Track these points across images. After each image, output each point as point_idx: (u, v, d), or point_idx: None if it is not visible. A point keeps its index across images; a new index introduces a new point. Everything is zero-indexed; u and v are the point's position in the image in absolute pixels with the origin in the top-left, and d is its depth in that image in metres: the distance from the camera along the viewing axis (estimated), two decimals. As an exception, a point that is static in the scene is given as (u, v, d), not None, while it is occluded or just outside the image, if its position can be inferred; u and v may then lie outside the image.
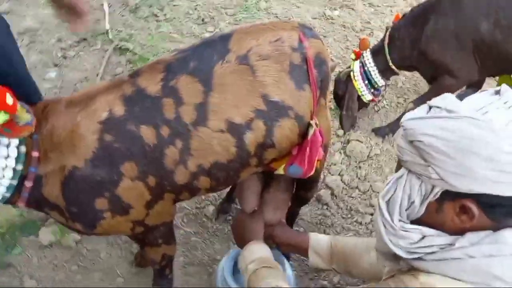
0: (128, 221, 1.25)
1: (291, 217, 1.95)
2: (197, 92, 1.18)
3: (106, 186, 1.14)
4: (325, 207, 2.37)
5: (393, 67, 2.45)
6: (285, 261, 1.74)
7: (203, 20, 3.78)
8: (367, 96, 2.54)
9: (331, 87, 2.60)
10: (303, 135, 1.36)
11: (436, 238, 0.87)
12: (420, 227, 0.89)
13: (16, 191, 1.12)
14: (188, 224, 2.24)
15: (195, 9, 4.20)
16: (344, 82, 2.58)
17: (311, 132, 1.34)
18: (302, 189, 1.72)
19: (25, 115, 1.03)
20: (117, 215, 1.20)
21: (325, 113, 1.50)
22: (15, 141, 1.05)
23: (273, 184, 1.58)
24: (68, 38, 3.51)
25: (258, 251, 1.39)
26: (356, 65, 2.51)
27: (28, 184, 1.11)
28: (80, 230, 1.26)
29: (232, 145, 1.23)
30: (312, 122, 1.35)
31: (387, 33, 2.43)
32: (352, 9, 3.81)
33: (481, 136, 0.78)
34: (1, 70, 1.62)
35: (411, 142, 0.85)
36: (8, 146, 1.04)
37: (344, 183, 2.50)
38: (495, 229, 0.83)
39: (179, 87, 1.17)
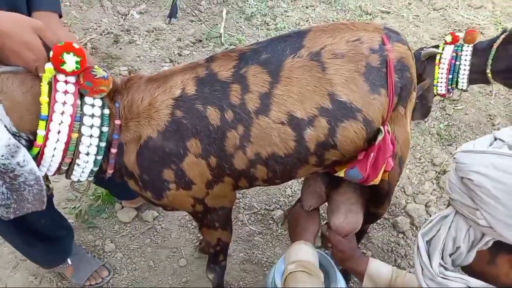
0: (189, 197, 1.31)
1: (358, 235, 1.83)
2: (263, 82, 1.20)
3: (173, 159, 1.21)
4: (400, 235, 2.18)
5: (489, 74, 2.12)
6: (337, 271, 1.66)
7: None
8: (440, 89, 2.22)
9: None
10: (371, 141, 1.29)
11: None
12: (465, 276, 0.76)
13: (104, 157, 1.20)
14: (254, 223, 2.26)
15: (307, 20, 4.27)
16: (423, 62, 2.26)
17: (379, 138, 1.26)
18: (372, 204, 1.62)
19: (100, 70, 1.10)
20: (181, 188, 1.26)
21: (404, 123, 1.39)
22: (98, 102, 1.13)
23: (344, 184, 1.50)
24: (186, 38, 3.84)
25: (303, 253, 1.34)
26: (448, 51, 2.18)
27: (114, 150, 1.19)
28: (150, 199, 1.34)
29: (291, 138, 1.22)
30: (383, 128, 1.27)
31: (502, 35, 2.10)
32: (481, 33, 3.48)
33: None
34: None
35: (461, 178, 0.74)
36: (92, 106, 1.12)
37: (429, 215, 2.28)
38: None
39: (248, 75, 1.20)
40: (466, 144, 0.76)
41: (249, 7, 4.35)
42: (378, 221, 2.27)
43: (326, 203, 1.58)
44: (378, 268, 1.34)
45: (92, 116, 1.11)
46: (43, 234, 1.68)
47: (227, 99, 1.19)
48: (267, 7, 4.42)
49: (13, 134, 0.99)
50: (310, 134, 1.22)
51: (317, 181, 1.60)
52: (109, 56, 3.52)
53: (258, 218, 2.28)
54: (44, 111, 1.02)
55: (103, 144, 1.15)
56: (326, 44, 1.23)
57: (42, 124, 1.03)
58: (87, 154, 1.13)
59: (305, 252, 1.34)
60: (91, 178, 1.25)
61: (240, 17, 4.27)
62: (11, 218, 1.01)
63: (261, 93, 1.19)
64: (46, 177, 1.22)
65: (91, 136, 1.11)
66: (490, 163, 0.69)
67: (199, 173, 1.24)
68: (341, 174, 1.36)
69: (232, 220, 2.22)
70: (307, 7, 4.54)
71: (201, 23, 4.05)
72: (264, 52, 1.22)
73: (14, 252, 2.00)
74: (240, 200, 2.37)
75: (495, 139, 0.75)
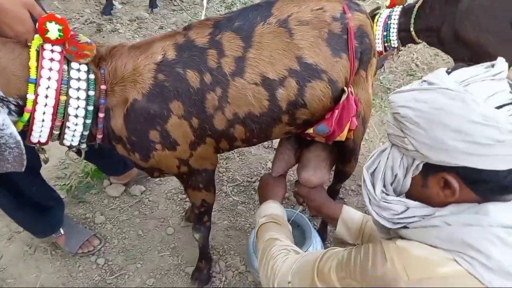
0: (175, 158, 1.40)
1: (332, 195, 1.97)
2: (237, 47, 1.31)
3: (158, 120, 1.30)
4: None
5: (413, 33, 2.31)
6: (313, 229, 1.79)
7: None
8: (378, 46, 2.42)
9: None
10: (337, 100, 1.42)
11: (419, 209, 0.87)
12: (404, 199, 0.89)
13: (93, 121, 1.28)
14: (237, 194, 2.38)
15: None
16: None
17: (343, 97, 1.39)
18: (340, 162, 1.75)
19: (83, 36, 1.19)
20: (166, 149, 1.36)
21: (366, 85, 1.52)
22: (83, 68, 1.22)
23: (314, 144, 1.63)
24: (168, 26, 3.93)
25: (271, 208, 1.46)
26: (385, 13, 2.41)
27: (101, 114, 1.26)
28: (138, 161, 1.42)
29: (264, 98, 1.34)
30: (346, 88, 1.40)
31: None
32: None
33: (450, 107, 0.77)
34: None
35: (393, 114, 0.87)
36: (78, 70, 1.21)
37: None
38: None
39: (223, 41, 1.31)
40: (401, 88, 0.90)
41: (228, -4, 4.45)
42: (353, 187, 2.42)
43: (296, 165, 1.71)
44: (350, 213, 1.46)
45: (79, 79, 1.19)
46: (35, 203, 1.77)
47: (205, 63, 1.29)
48: (247, -4, 4.52)
49: (0, 99, 1.08)
50: (281, 94, 1.34)
51: (286, 149, 1.72)
52: (93, 44, 3.58)
53: (240, 189, 2.41)
54: (33, 74, 1.11)
55: (90, 108, 1.23)
56: (293, 12, 1.35)
57: (31, 87, 1.11)
58: (76, 116, 1.21)
59: (273, 208, 1.47)
60: (84, 145, 1.33)
61: (221, 5, 4.36)
62: None
63: (236, 56, 1.30)
64: (42, 148, 1.29)
65: (78, 98, 1.19)
66: (413, 97, 0.83)
67: (182, 134, 1.34)
68: (310, 130, 1.49)
69: (217, 192, 2.37)
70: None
71: (183, 12, 4.13)
72: (236, 20, 1.33)
73: (8, 225, 2.08)
74: (224, 173, 2.49)
75: (423, 81, 0.87)
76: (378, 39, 2.42)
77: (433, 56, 3.67)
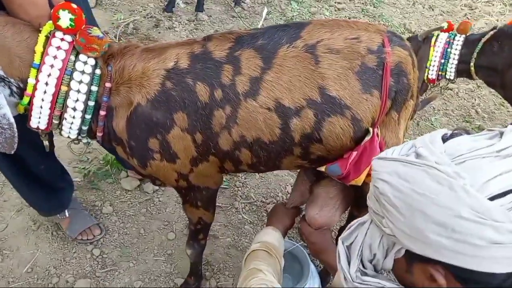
0: (173, 171, 1.32)
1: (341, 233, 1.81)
2: (256, 66, 1.21)
3: (159, 129, 1.23)
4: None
5: (472, 68, 2.07)
6: (312, 266, 1.65)
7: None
8: (431, 73, 2.19)
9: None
10: (358, 141, 1.28)
11: None
12: (383, 281, 0.74)
13: (94, 118, 1.24)
14: (248, 212, 2.27)
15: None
16: (419, 42, 2.24)
17: (367, 138, 1.25)
18: (355, 208, 1.60)
19: (97, 31, 1.16)
20: (165, 160, 1.28)
21: (396, 129, 1.36)
22: (91, 61, 1.16)
23: (325, 180, 1.49)
24: (224, 29, 3.92)
25: (269, 236, 1.34)
26: (443, 38, 2.18)
27: (102, 112, 1.21)
28: (136, 167, 1.36)
29: (276, 125, 1.23)
30: (372, 129, 1.25)
31: (491, 32, 2.05)
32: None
33: (435, 193, 0.61)
34: None
35: (373, 185, 0.72)
36: (85, 63, 1.15)
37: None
38: None
39: (242, 58, 1.21)
40: (386, 151, 0.74)
41: (291, 11, 4.38)
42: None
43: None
44: None
45: (83, 72, 1.15)
46: (42, 181, 1.77)
47: (218, 78, 1.20)
48: (309, 12, 4.42)
49: (1, 78, 1.06)
50: (295, 124, 1.22)
51: (304, 180, 1.60)
52: (147, 38, 3.64)
53: (252, 208, 2.29)
54: (37, 59, 1.08)
55: (91, 103, 1.19)
56: (323, 38, 1.23)
57: (33, 72, 1.09)
58: (74, 109, 1.17)
59: (271, 236, 1.35)
60: (85, 140, 1.29)
61: (280, 18, 4.30)
62: None
63: (252, 76, 1.20)
64: (49, 134, 1.28)
65: (78, 91, 1.15)
66: (394, 170, 0.67)
67: (184, 147, 1.26)
68: (322, 168, 1.36)
69: (227, 206, 2.27)
70: (349, 18, 4.51)
71: (241, 20, 4.11)
72: (261, 38, 1.23)
73: (20, 197, 2.11)
74: (239, 188, 2.39)
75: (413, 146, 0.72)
76: (434, 65, 2.20)
77: (498, 106, 3.35)
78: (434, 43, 2.19)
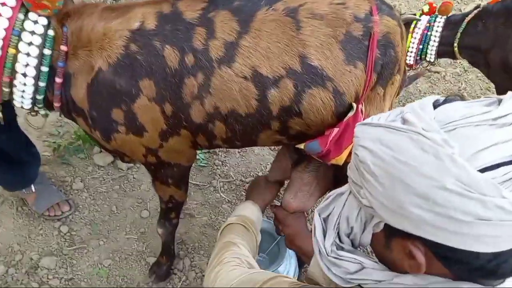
0: (141, 145, 1.20)
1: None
2: (231, 30, 1.09)
3: (123, 98, 1.10)
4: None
5: (456, 49, 1.96)
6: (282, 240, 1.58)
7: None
8: (409, 59, 2.05)
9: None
10: (341, 116, 1.18)
11: (376, 271, 0.65)
12: (361, 258, 0.67)
13: (49, 86, 1.10)
14: (226, 191, 2.18)
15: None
16: None
17: (350, 114, 1.15)
18: (334, 187, 1.52)
19: None
20: (131, 133, 1.16)
21: (382, 105, 1.27)
22: (43, 21, 1.02)
23: (303, 164, 1.40)
24: None
25: (248, 210, 1.26)
26: (423, 22, 2.02)
27: (58, 80, 1.08)
28: (100, 141, 1.24)
29: (253, 96, 1.12)
30: (355, 105, 1.16)
31: (475, 11, 1.93)
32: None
33: (419, 162, 0.53)
34: None
35: (354, 153, 0.64)
36: (35, 23, 1.00)
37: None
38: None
39: (216, 20, 1.09)
40: (371, 117, 0.65)
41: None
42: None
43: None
44: None
45: (32, 33, 1.01)
46: (4, 154, 1.63)
47: (189, 42, 1.08)
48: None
49: None
50: (273, 95, 1.12)
51: (286, 157, 1.51)
52: None
53: (231, 187, 2.20)
54: None
55: (44, 69, 1.05)
56: (306, 1, 1.11)
57: None
58: (24, 75, 1.03)
59: (249, 210, 1.26)
60: (43, 111, 1.16)
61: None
62: None
63: (227, 41, 1.08)
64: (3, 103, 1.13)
65: (28, 54, 1.01)
66: (377, 137, 0.59)
67: (151, 119, 1.13)
68: (301, 146, 1.26)
69: (205, 185, 2.17)
70: None
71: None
72: None
73: (-17, 171, 1.97)
74: (219, 167, 2.29)
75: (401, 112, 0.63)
76: (411, 52, 2.06)
77: (484, 90, 3.30)
78: (413, 29, 2.05)
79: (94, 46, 1.06)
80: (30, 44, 1.00)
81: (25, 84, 1.05)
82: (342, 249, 0.68)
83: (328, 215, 0.70)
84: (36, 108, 1.14)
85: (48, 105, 1.15)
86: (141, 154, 1.24)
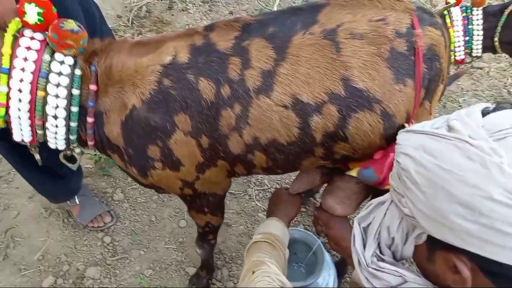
0: (177, 179, 1.17)
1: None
2: (267, 58, 1.05)
3: (159, 134, 1.07)
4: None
5: (496, 43, 1.80)
6: (325, 252, 1.56)
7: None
8: (459, 54, 1.85)
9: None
10: (391, 139, 1.11)
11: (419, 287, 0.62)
12: (402, 271, 0.65)
13: (81, 125, 1.08)
14: (261, 199, 2.18)
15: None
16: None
17: None
18: (375, 195, 1.48)
19: (72, 23, 0.98)
20: (167, 168, 1.13)
21: (428, 119, 1.20)
22: (69, 60, 1.01)
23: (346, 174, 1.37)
24: (238, 13, 3.76)
25: (273, 227, 1.24)
26: (457, 14, 1.82)
27: (90, 119, 1.06)
28: (135, 176, 1.21)
29: (294, 125, 1.07)
30: (407, 125, 1.10)
31: None
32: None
33: (464, 170, 0.51)
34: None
35: (396, 161, 0.63)
36: (61, 63, 0.99)
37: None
38: None
39: (251, 49, 1.06)
40: (415, 124, 0.64)
41: (307, -10, 4.17)
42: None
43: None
44: None
45: (60, 74, 0.99)
46: (47, 168, 1.68)
47: (224, 73, 1.04)
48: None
49: None
50: (316, 122, 1.06)
51: (315, 169, 1.47)
52: (160, 20, 3.51)
53: (266, 195, 2.20)
54: (5, 63, 0.94)
55: (74, 109, 1.03)
56: (344, 21, 1.06)
57: (3, 78, 0.95)
58: (55, 117, 1.02)
59: (274, 227, 1.24)
60: (78, 150, 1.15)
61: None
62: None
63: (264, 70, 1.04)
64: (34, 148, 1.12)
65: (57, 96, 1.00)
66: (420, 144, 0.57)
67: (188, 153, 1.10)
68: (353, 173, 1.20)
69: (240, 193, 2.18)
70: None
71: (257, 0, 3.94)
72: (271, 25, 1.07)
73: (32, 184, 2.07)
74: (253, 175, 2.30)
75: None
76: (459, 46, 1.86)
77: (532, 85, 3.12)
78: (450, 22, 1.86)
79: (126, 83, 1.05)
80: (58, 85, 1.00)
81: (57, 126, 1.04)
82: (383, 260, 0.66)
83: (368, 225, 0.69)
84: (71, 147, 1.13)
85: (82, 143, 1.14)
86: (178, 187, 1.22)
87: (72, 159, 1.20)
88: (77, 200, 1.92)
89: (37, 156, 1.14)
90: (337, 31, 1.05)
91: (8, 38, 0.94)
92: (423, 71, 1.07)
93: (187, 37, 1.08)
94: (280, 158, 1.14)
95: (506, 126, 0.54)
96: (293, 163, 1.17)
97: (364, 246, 0.70)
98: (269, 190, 2.22)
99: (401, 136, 0.62)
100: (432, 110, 1.21)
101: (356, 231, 0.70)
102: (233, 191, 2.17)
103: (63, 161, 1.19)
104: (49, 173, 1.73)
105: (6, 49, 0.94)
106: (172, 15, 3.61)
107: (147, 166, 1.13)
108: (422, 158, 0.56)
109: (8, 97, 0.97)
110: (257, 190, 2.22)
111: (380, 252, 0.68)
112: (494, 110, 0.60)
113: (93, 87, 1.04)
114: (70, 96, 1.02)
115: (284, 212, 1.34)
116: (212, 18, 3.67)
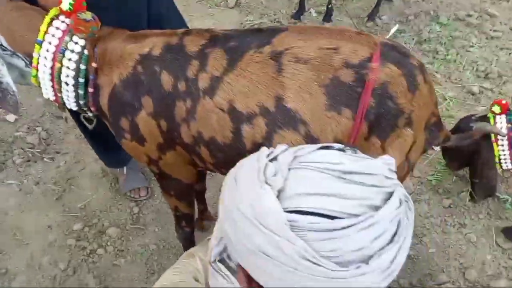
0: (143, 153, 1.35)
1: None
2: (219, 66, 1.15)
3: (129, 109, 1.26)
4: None
5: None
6: None
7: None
8: (506, 164, 1.80)
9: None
10: None
11: None
12: (232, 277, 0.71)
13: (87, 93, 1.29)
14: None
15: (490, 62, 3.53)
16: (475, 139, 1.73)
17: None
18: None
19: (88, 14, 1.22)
20: (135, 141, 1.31)
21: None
22: (82, 42, 1.23)
23: None
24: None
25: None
26: (502, 121, 1.74)
27: (90, 89, 1.27)
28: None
29: (228, 128, 1.16)
30: None
31: None
32: None
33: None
34: None
35: None
36: (76, 43, 1.23)
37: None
38: None
39: (210, 56, 1.17)
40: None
41: (428, 32, 3.86)
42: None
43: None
44: None
45: (72, 51, 1.24)
46: (102, 138, 1.95)
47: (184, 71, 1.19)
48: (451, 36, 3.82)
49: (10, 51, 1.26)
50: (247, 131, 1.14)
51: None
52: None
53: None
54: (40, 37, 1.23)
55: (81, 80, 1.27)
56: (294, 46, 1.10)
57: (37, 47, 1.23)
58: (66, 83, 1.27)
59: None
60: (90, 114, 1.40)
61: (413, 39, 3.84)
62: None
63: (214, 75, 1.16)
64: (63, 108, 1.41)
65: (68, 68, 1.25)
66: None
67: (149, 131, 1.27)
68: None
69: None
70: (501, 49, 3.72)
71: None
72: (234, 40, 1.17)
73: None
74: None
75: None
76: (506, 157, 1.79)
77: None
78: (495, 137, 1.75)
79: (114, 64, 1.27)
80: (70, 60, 1.25)
81: (67, 91, 1.30)
82: (224, 262, 0.74)
83: None
84: (84, 109, 1.39)
85: (90, 109, 1.39)
86: (144, 161, 1.39)
87: (90, 121, 1.49)
88: (125, 170, 2.25)
89: (64, 114, 1.44)
90: (284, 53, 1.09)
91: (46, 19, 1.25)
92: (369, 105, 1.03)
93: (166, 36, 1.26)
94: (220, 157, 1.22)
95: (313, 159, 0.59)
96: (232, 164, 1.22)
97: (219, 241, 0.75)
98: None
99: None
100: (388, 150, 1.10)
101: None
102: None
103: (83, 120, 1.49)
104: (104, 143, 2.08)
105: (43, 27, 1.24)
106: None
107: (120, 134, 1.34)
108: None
109: (37, 62, 1.27)
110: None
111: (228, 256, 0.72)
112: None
113: (94, 64, 1.28)
114: (78, 69, 1.27)
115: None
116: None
